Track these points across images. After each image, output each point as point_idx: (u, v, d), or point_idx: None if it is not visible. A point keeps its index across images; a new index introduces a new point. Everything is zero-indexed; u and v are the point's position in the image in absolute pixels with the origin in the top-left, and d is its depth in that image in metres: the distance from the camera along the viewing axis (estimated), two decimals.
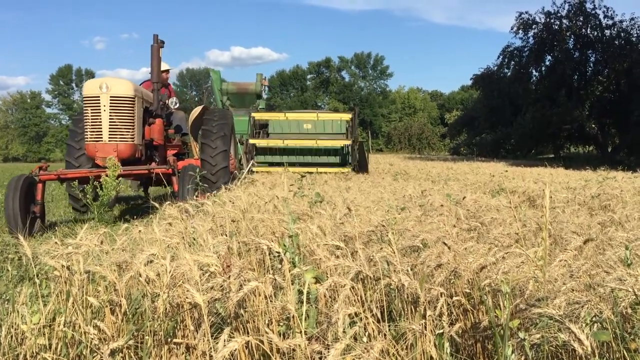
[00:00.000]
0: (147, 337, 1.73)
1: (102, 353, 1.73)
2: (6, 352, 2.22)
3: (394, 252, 2.03)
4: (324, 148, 14.96)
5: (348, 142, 14.56)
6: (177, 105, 9.18)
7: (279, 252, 1.98)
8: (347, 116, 15.35)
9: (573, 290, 1.70)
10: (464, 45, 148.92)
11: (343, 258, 2.10)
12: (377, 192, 7.78)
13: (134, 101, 7.39)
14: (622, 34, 36.66)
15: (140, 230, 2.73)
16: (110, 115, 7.14)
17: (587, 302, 1.52)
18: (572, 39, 37.75)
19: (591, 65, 38.47)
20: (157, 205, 4.47)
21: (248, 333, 1.67)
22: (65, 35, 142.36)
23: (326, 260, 2.29)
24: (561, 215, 4.92)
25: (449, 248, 2.64)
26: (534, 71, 40.41)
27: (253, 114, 15.17)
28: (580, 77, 38.48)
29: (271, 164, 14.64)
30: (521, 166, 21.77)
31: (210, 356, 1.44)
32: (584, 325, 1.51)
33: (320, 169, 13.47)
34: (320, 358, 1.48)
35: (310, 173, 11.58)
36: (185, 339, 1.73)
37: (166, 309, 1.80)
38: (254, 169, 13.18)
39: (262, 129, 15.82)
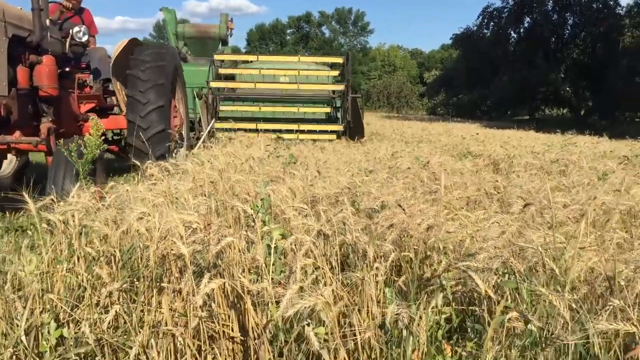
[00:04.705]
0: (142, 281, 2.05)
1: (101, 294, 2.06)
2: (9, 295, 2.53)
3: (350, 215, 2.37)
4: (308, 98, 11.77)
5: (340, 87, 11.29)
6: (87, 36, 6.45)
7: (252, 213, 2.31)
8: (338, 60, 12.19)
9: (496, 247, 2.06)
10: (446, 2, 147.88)
11: (308, 218, 2.44)
12: (351, 152, 8.09)
13: None
14: None
15: (127, 190, 3.02)
16: None
17: (499, 256, 1.87)
18: (551, 1, 37.99)
19: (569, 28, 38.89)
20: (138, 163, 4.74)
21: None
22: None
23: (294, 219, 2.63)
24: (516, 179, 5.31)
25: (403, 210, 2.99)
26: (512, 33, 40.71)
27: (215, 56, 11.82)
28: (557, 40, 38.89)
29: (238, 120, 10.92)
30: (494, 128, 22.27)
31: (192, 294, 1.77)
32: (496, 275, 1.88)
33: (303, 126, 10.96)
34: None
35: (290, 132, 10.07)
36: (172, 284, 2.06)
37: (155, 260, 2.13)
38: (217, 126, 10.38)
39: (227, 80, 12.52)
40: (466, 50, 44.57)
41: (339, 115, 11.80)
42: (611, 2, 36.92)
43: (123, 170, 7.56)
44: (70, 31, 6.35)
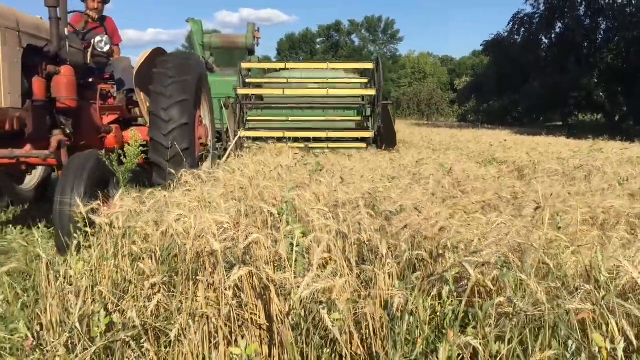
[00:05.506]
0: (180, 275, 2.33)
1: (144, 286, 2.33)
2: (61, 290, 2.82)
3: (365, 216, 2.61)
4: (337, 106, 11.46)
5: (371, 92, 10.70)
6: (108, 46, 6.35)
7: (278, 213, 2.57)
8: (368, 65, 11.50)
9: (497, 245, 2.27)
10: (478, 9, 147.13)
11: (328, 220, 2.68)
12: (377, 160, 8.29)
13: None
14: (634, 1, 36.39)
15: (165, 195, 3.32)
16: None
17: (498, 252, 2.09)
18: (583, 6, 37.58)
19: (602, 32, 38.37)
20: (172, 171, 5.04)
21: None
22: None
23: (317, 220, 2.87)
24: (535, 185, 5.45)
25: (419, 212, 3.21)
26: (543, 38, 40.38)
27: (243, 65, 11.45)
28: (590, 45, 38.42)
29: (266, 128, 10.99)
30: (524, 134, 22.18)
31: (224, 284, 2.03)
32: (495, 269, 2.09)
33: (332, 134, 10.43)
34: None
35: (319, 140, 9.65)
36: (205, 277, 2.33)
37: (191, 256, 2.40)
38: (244, 133, 10.24)
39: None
40: (497, 57, 44.33)
41: (369, 124, 11.23)
42: None
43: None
44: (92, 41, 6.19)
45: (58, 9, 4.85)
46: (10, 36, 4.54)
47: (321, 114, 11.38)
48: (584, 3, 37.30)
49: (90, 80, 6.16)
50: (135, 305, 2.27)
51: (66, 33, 5.26)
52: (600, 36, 38.37)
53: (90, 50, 6.12)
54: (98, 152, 4.74)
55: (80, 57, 5.74)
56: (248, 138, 10.19)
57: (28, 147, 4.88)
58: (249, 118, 11.18)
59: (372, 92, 10.65)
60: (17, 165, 4.85)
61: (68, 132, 5.27)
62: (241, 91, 10.76)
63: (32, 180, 6.79)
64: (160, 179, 5.99)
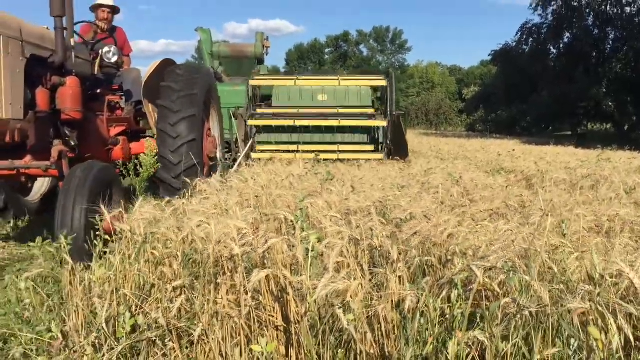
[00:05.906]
0: (201, 279, 2.45)
1: (167, 289, 2.45)
2: (86, 294, 2.95)
3: (377, 223, 2.72)
4: (348, 126, 11.32)
5: (382, 124, 10.88)
6: (116, 57, 6.28)
7: (292, 220, 2.69)
8: (381, 82, 11.47)
9: (503, 250, 2.37)
10: (485, 19, 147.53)
11: (341, 226, 2.80)
12: (386, 169, 8.40)
13: None
14: None
15: (183, 203, 3.45)
16: None
17: (503, 257, 2.19)
18: (591, 16, 37.63)
19: (610, 42, 38.39)
20: (187, 180, 5.18)
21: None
22: (83, 7, 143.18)
23: (330, 227, 2.99)
24: (543, 194, 5.54)
25: (428, 220, 3.31)
26: (552, 48, 40.43)
27: (251, 81, 11.35)
28: (598, 55, 38.43)
29: (277, 145, 11.10)
30: (533, 144, 22.22)
31: (244, 286, 2.15)
32: (502, 274, 2.19)
33: (343, 156, 10.27)
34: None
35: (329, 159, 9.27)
36: (226, 281, 2.45)
37: (212, 260, 2.52)
38: (254, 155, 10.32)
39: (264, 101, 12.30)
40: (505, 67, 44.44)
41: (380, 131, 11.40)
42: None
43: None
44: (100, 52, 6.11)
45: (64, 18, 4.68)
46: (13, 46, 4.37)
47: (332, 135, 11.46)
48: (592, 13, 37.34)
49: (98, 91, 6.10)
50: (159, 307, 2.39)
51: (72, 43, 5.17)
52: (609, 46, 38.40)
53: (97, 61, 6.05)
54: (99, 162, 4.68)
55: (87, 67, 5.67)
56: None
57: (28, 158, 4.77)
58: (259, 145, 11.20)
59: (384, 123, 10.85)
60: (17, 177, 4.77)
61: (73, 144, 5.14)
62: (251, 122, 10.91)
63: (38, 191, 6.67)
64: (168, 194, 5.78)
